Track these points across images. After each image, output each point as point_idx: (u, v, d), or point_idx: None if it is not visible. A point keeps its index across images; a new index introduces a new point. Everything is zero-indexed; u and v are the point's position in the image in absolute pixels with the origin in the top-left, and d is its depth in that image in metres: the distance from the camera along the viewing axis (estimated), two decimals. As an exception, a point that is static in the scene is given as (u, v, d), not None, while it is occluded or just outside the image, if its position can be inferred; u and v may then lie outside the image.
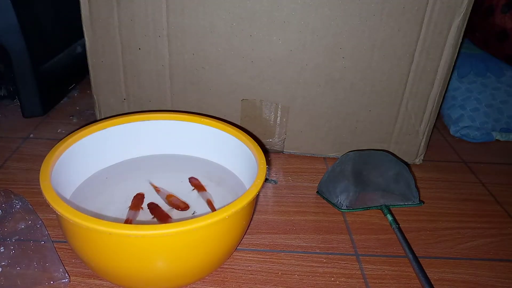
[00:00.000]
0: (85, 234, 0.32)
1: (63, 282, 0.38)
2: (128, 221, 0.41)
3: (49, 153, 0.40)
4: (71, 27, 0.71)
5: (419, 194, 0.50)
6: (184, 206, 0.44)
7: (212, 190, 0.47)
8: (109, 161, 0.49)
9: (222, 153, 0.49)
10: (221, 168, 0.50)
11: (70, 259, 0.41)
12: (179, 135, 0.50)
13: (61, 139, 0.42)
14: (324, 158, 0.61)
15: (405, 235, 0.45)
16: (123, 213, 0.42)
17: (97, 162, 0.48)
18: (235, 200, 0.34)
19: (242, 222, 0.37)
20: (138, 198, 0.45)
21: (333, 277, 0.41)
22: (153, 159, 0.51)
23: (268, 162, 0.59)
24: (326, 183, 0.52)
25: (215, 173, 0.49)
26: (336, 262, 0.43)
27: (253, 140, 0.44)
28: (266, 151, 0.61)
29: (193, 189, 0.47)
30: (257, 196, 0.37)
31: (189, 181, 0.48)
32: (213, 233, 0.34)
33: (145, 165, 0.50)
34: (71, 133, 0.44)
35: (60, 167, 0.40)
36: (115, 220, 0.41)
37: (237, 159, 0.47)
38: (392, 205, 0.49)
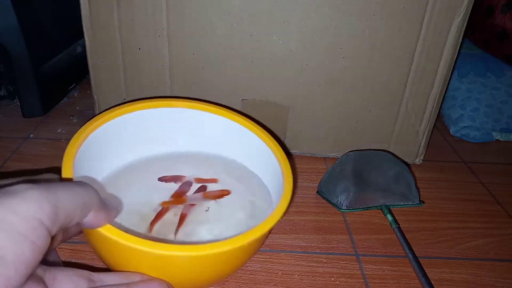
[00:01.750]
0: (111, 244, 0.31)
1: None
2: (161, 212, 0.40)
3: (70, 143, 0.37)
4: (71, 27, 0.71)
5: (419, 194, 0.50)
6: (226, 192, 0.43)
7: (232, 187, 0.44)
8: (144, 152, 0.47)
9: (245, 153, 0.47)
10: (242, 166, 0.47)
11: (70, 259, 0.41)
12: (205, 130, 0.47)
13: (70, 137, 0.40)
14: (324, 158, 0.61)
15: (405, 235, 0.45)
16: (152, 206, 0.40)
17: (130, 149, 0.46)
18: (257, 225, 0.32)
19: (258, 245, 0.36)
20: (183, 184, 0.43)
21: (333, 277, 0.41)
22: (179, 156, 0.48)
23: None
24: (326, 183, 0.52)
25: (236, 171, 0.47)
26: (336, 262, 0.43)
27: (279, 146, 0.42)
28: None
29: (207, 183, 0.45)
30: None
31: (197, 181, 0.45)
32: (229, 256, 0.32)
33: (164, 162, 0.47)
34: (76, 131, 0.41)
35: (84, 157, 0.38)
36: (144, 216, 0.39)
37: (261, 161, 0.45)
38: (392, 205, 0.49)
